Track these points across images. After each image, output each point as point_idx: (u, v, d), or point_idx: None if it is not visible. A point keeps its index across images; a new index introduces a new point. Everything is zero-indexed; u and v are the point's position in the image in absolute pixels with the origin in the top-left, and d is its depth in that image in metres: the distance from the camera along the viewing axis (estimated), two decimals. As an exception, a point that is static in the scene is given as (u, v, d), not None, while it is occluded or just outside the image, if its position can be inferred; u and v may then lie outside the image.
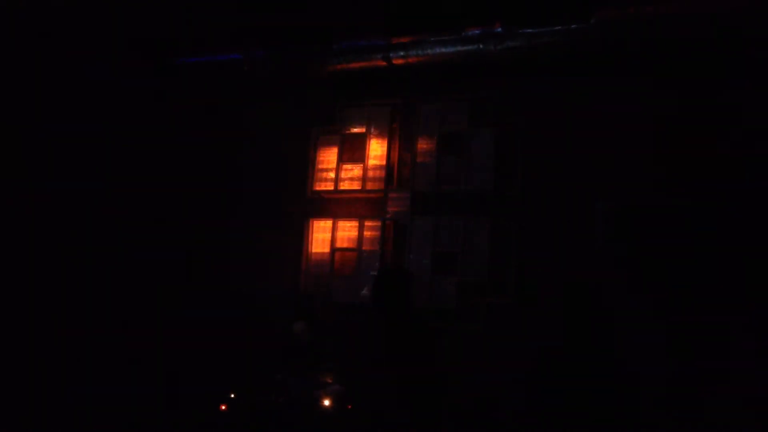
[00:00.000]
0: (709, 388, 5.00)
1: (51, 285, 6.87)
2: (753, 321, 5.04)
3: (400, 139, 6.79)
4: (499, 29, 5.85)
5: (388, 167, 6.80)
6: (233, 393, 5.47)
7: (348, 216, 6.91)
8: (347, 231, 6.91)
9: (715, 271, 5.21)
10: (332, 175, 7.05)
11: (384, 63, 6.35)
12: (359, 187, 6.90)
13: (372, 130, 6.94)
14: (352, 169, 6.98)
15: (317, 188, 7.07)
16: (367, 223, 6.81)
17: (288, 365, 5.33)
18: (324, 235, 6.95)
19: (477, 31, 5.94)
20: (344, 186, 6.99)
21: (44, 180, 7.03)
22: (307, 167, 7.12)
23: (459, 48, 6.06)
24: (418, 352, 3.87)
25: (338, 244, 6.89)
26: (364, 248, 6.78)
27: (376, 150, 6.89)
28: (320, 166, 7.11)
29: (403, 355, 3.82)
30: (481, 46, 5.97)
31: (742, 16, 4.98)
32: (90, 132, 7.52)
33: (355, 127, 7.01)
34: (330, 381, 5.05)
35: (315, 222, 7.01)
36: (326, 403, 4.95)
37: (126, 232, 7.21)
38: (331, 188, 7.03)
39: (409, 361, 3.78)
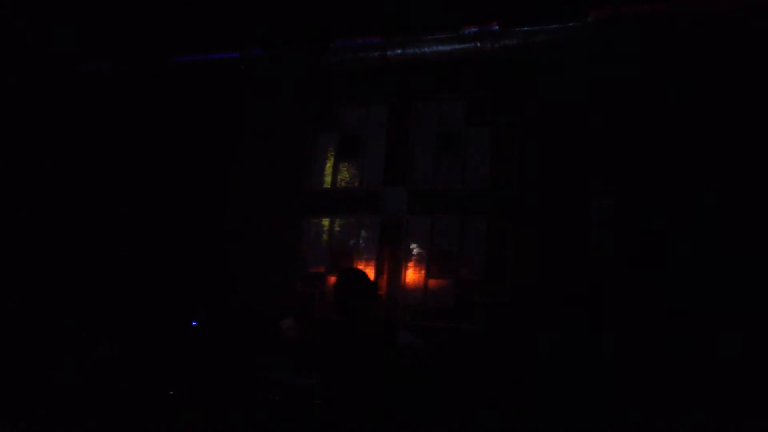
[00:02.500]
0: (706, 387, 4.98)
1: (51, 280, 6.91)
2: (749, 319, 5.02)
3: (398, 137, 6.78)
4: (496, 27, 5.84)
5: (386, 165, 6.80)
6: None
7: (345, 214, 6.91)
8: (344, 228, 6.90)
9: (706, 268, 5.21)
10: (330, 172, 7.04)
11: (381, 61, 6.34)
12: (356, 185, 6.90)
13: (369, 128, 6.93)
14: (349, 167, 6.98)
15: (315, 186, 7.06)
16: (365, 221, 6.81)
17: (276, 362, 5.33)
18: (321, 233, 6.94)
19: (474, 30, 5.93)
20: (342, 184, 6.99)
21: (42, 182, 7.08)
22: (305, 165, 7.12)
23: (456, 46, 6.06)
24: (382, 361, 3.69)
25: (335, 242, 6.88)
26: (361, 246, 6.78)
27: (374, 148, 6.88)
28: (318, 164, 7.10)
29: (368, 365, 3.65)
30: (478, 44, 5.96)
31: (736, 15, 4.98)
32: (87, 129, 7.55)
33: (353, 125, 7.01)
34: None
35: (312, 219, 7.01)
36: None
37: (118, 231, 7.23)
38: (329, 186, 7.02)
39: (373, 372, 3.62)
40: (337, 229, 6.91)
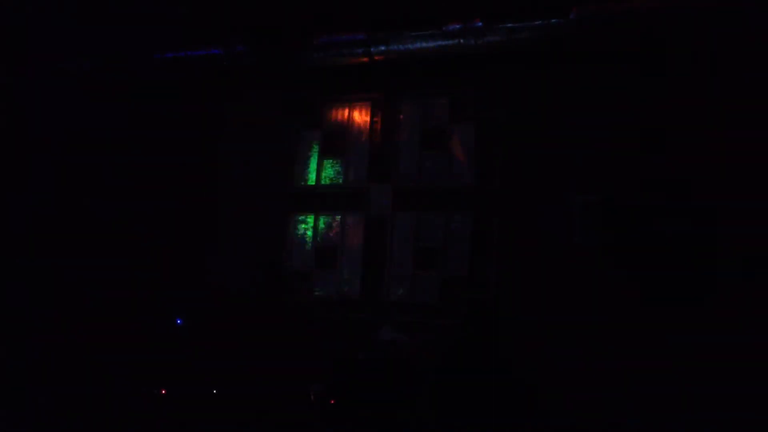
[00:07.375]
0: (691, 384, 5.00)
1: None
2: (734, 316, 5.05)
3: (382, 134, 6.77)
4: (479, 24, 5.84)
5: (370, 162, 6.79)
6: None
7: (330, 210, 6.89)
8: (329, 225, 6.89)
9: (686, 263, 5.25)
10: (314, 169, 7.03)
11: (365, 58, 6.33)
12: (341, 183, 6.89)
13: (353, 125, 6.92)
14: (333, 164, 6.96)
15: (299, 183, 7.04)
16: (349, 218, 6.80)
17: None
18: (306, 229, 6.93)
19: (457, 26, 5.94)
20: (326, 181, 6.97)
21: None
22: (289, 162, 7.09)
23: (440, 42, 6.06)
24: None
25: (320, 238, 6.87)
26: (345, 242, 6.77)
27: (358, 145, 6.87)
28: (302, 161, 7.08)
29: None
30: (461, 40, 5.97)
31: (716, 13, 5.01)
32: (70, 126, 7.50)
33: (337, 122, 6.99)
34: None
35: (297, 216, 6.99)
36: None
37: (100, 228, 7.19)
38: (313, 183, 7.00)
39: None
40: (321, 226, 6.90)
